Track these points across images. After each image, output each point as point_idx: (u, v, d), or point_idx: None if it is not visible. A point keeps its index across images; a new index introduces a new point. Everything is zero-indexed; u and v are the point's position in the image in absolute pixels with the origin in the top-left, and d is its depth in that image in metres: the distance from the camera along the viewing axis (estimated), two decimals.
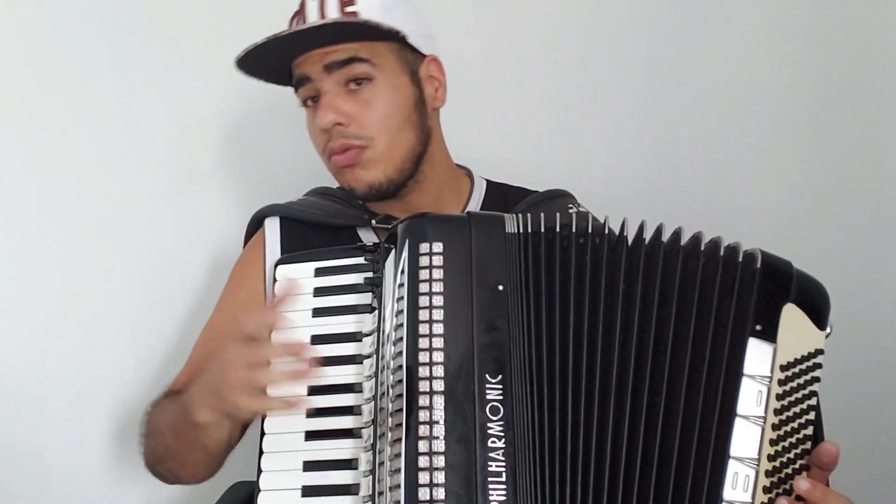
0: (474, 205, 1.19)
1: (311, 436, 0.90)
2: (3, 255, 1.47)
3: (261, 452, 0.91)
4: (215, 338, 1.13)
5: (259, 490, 0.90)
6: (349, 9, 1.05)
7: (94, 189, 1.49)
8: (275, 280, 0.99)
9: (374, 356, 0.90)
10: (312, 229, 1.13)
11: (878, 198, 1.61)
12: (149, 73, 1.50)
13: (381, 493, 0.84)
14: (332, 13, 1.05)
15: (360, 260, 0.95)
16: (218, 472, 1.06)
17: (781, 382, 0.84)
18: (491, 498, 0.80)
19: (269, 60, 1.08)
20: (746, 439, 0.82)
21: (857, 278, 1.60)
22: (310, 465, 0.89)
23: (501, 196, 1.21)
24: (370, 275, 0.94)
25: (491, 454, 0.81)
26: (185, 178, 1.52)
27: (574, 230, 0.90)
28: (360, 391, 0.90)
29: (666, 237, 0.90)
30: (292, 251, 1.08)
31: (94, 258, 1.49)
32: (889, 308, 1.60)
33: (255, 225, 1.19)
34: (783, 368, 0.84)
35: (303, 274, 0.98)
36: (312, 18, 1.05)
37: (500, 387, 0.84)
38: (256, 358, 0.85)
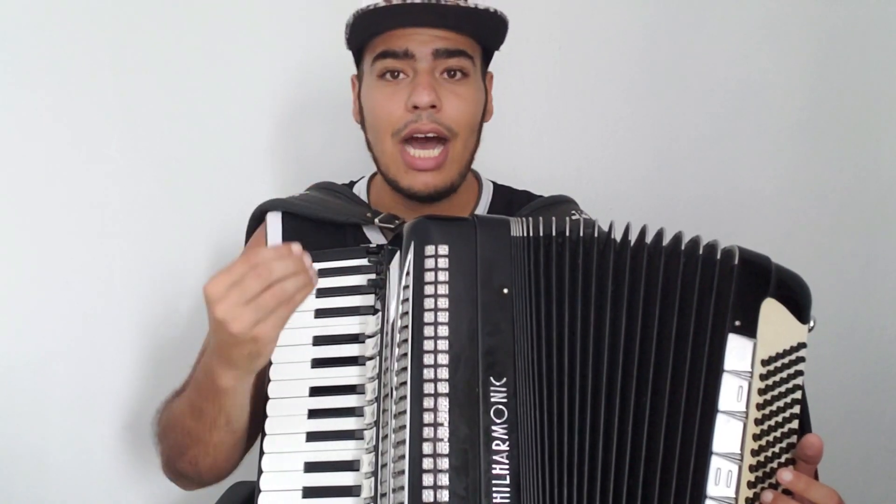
0: (482, 207, 1.19)
1: (313, 437, 0.90)
2: (3, 254, 1.47)
3: (261, 453, 0.91)
4: None
5: (259, 491, 0.89)
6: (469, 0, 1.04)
7: (94, 189, 1.49)
8: None
9: (377, 358, 0.90)
10: (315, 225, 1.12)
11: (877, 196, 1.62)
12: (149, 72, 1.50)
13: (383, 495, 0.84)
14: None
15: (364, 262, 0.95)
16: (237, 466, 1.03)
17: (763, 377, 0.84)
18: (495, 500, 0.80)
19: (376, 23, 1.06)
20: (729, 435, 0.83)
21: (857, 277, 1.61)
22: (311, 467, 0.89)
23: (507, 199, 1.21)
24: (373, 276, 0.94)
25: (495, 457, 0.82)
26: (185, 177, 1.52)
27: (580, 235, 0.90)
28: (363, 393, 0.90)
29: (650, 238, 0.91)
30: None
31: (95, 257, 1.49)
32: (887, 307, 1.61)
33: (257, 219, 1.18)
34: (764, 363, 0.84)
35: None
36: None
37: (505, 390, 0.84)
38: (249, 284, 0.78)
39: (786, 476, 0.81)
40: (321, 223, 1.12)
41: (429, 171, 1.06)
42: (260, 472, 0.90)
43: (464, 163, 1.10)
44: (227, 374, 0.86)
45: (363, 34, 1.08)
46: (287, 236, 1.11)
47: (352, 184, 1.23)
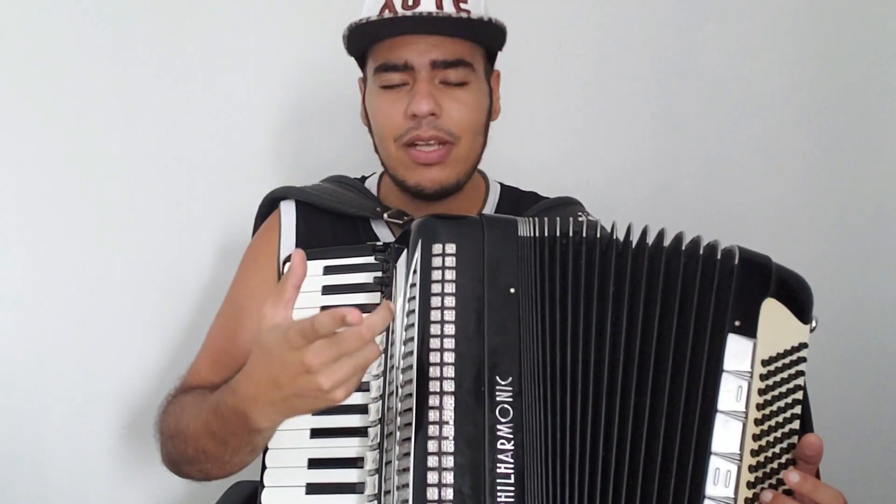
0: (489, 208, 1.20)
1: (317, 434, 0.91)
2: (4, 253, 1.46)
3: (265, 449, 0.91)
4: (233, 321, 1.11)
5: (263, 486, 0.90)
6: (463, 6, 1.05)
7: (95, 187, 1.49)
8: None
9: (383, 355, 0.90)
10: (327, 216, 1.14)
11: (877, 198, 1.62)
12: (149, 72, 1.50)
13: (387, 492, 0.84)
14: (448, 6, 1.05)
15: (370, 259, 0.95)
16: None
17: (763, 377, 0.84)
18: (499, 499, 0.81)
19: (371, 35, 1.07)
20: (728, 435, 0.83)
21: (857, 278, 1.61)
22: (314, 463, 0.89)
23: (514, 200, 1.22)
24: (379, 274, 0.94)
25: (500, 456, 0.82)
26: (185, 177, 1.52)
27: (584, 236, 0.90)
28: (367, 390, 0.90)
29: (651, 239, 0.91)
30: (307, 237, 1.09)
31: (96, 256, 1.49)
32: (889, 308, 1.61)
33: (269, 206, 1.19)
34: (765, 363, 0.84)
35: (311, 271, 0.97)
36: (428, 5, 1.04)
37: (510, 389, 0.84)
38: (341, 356, 0.75)
39: (793, 478, 0.80)
40: (332, 215, 1.14)
41: (434, 166, 1.08)
42: (263, 467, 0.90)
43: (470, 163, 1.11)
44: (269, 418, 0.83)
45: (361, 44, 1.10)
46: (300, 225, 1.13)
47: (363, 178, 1.25)
